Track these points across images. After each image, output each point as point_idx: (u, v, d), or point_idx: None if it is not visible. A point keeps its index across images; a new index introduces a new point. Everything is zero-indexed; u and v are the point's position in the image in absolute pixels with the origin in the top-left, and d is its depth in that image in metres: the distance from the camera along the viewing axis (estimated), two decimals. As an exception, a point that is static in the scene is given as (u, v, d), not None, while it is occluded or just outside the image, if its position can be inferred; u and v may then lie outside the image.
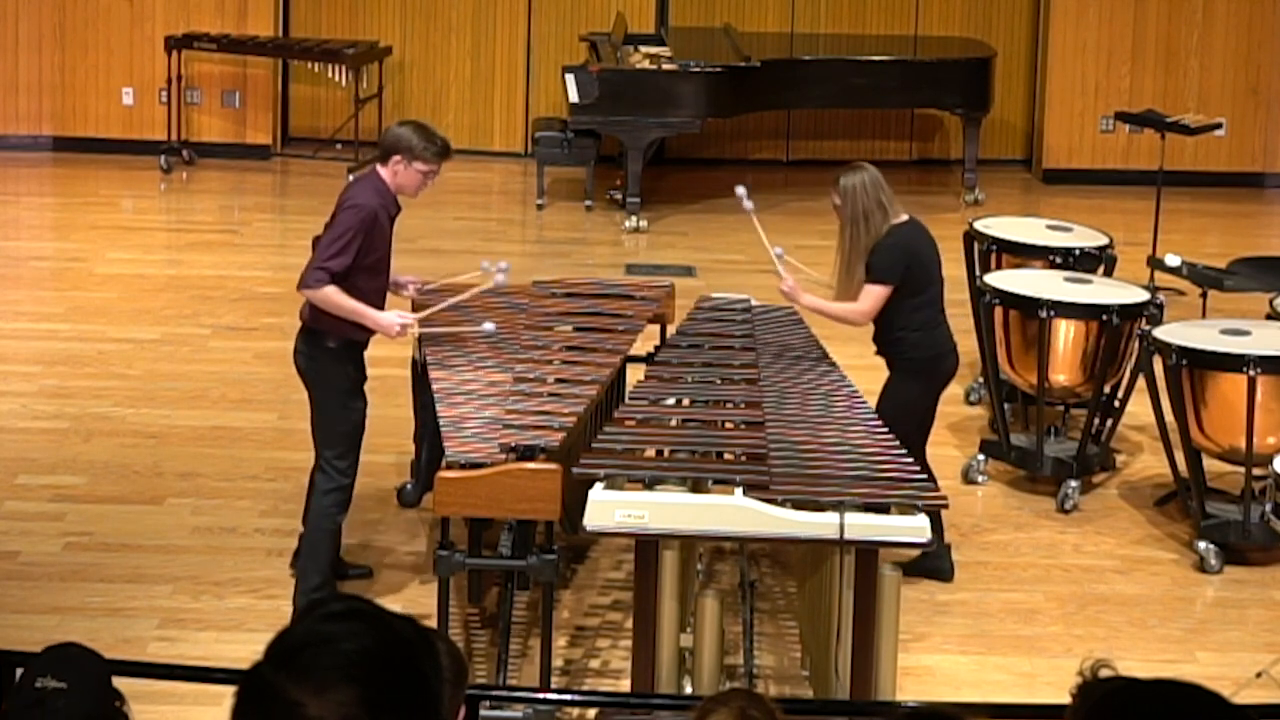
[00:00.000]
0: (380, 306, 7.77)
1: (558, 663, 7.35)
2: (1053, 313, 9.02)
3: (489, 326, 7.93)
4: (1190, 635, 7.95)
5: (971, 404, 10.29)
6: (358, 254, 7.59)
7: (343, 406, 7.76)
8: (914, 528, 6.62)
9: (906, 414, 7.90)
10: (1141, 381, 8.93)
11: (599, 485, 6.74)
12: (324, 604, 2.35)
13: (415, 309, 8.36)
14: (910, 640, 7.60)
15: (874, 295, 7.94)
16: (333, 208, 7.84)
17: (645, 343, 8.77)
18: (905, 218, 8.05)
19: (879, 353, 8.16)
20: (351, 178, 9.88)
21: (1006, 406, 9.53)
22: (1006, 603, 7.99)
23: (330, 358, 7.73)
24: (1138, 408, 9.33)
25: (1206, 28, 15.04)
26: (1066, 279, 9.46)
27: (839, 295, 8.11)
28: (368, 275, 7.70)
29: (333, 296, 7.55)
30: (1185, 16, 15.04)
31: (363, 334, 7.76)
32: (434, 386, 7.75)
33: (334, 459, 7.79)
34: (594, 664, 7.52)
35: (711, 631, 6.65)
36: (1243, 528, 8.51)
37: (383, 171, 7.74)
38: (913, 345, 8.01)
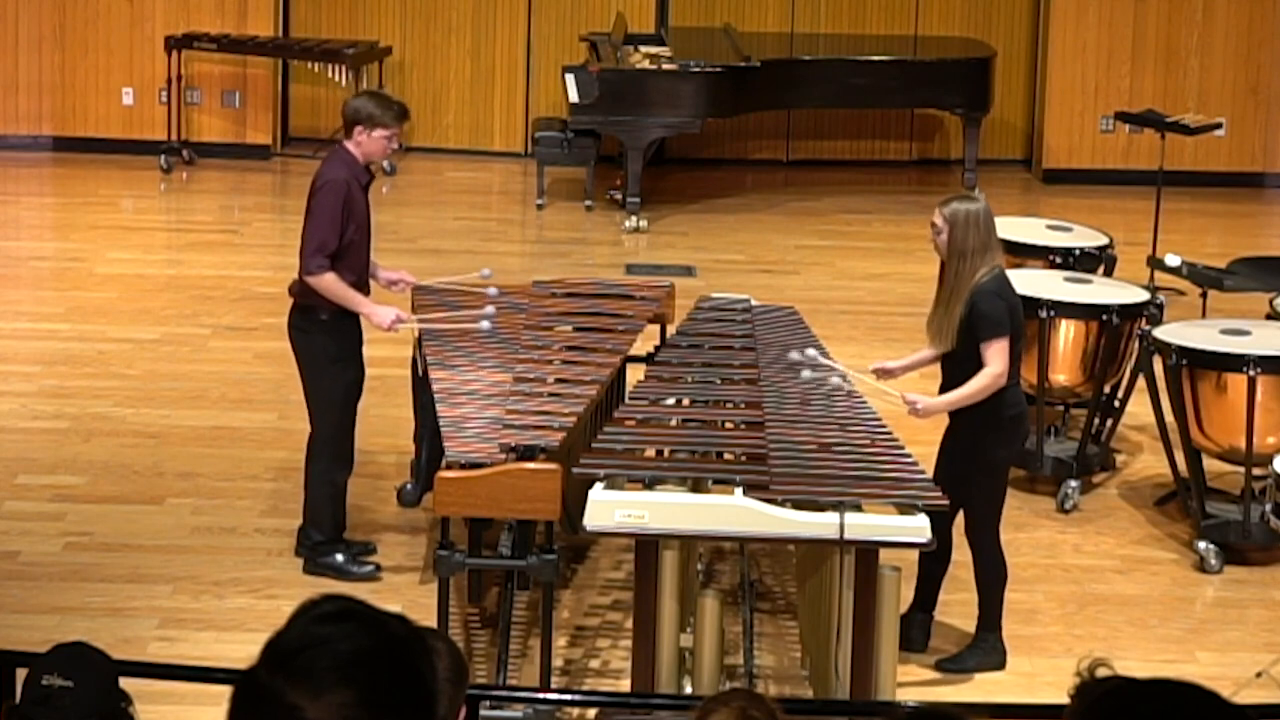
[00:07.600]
0: (365, 278, 8.02)
1: (558, 663, 7.35)
2: (1053, 313, 9.02)
3: (485, 325, 8.09)
4: (1190, 635, 7.95)
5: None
6: (343, 228, 7.87)
7: (332, 374, 7.98)
8: (914, 528, 6.62)
9: (1001, 479, 7.53)
10: (1141, 381, 8.92)
11: (599, 485, 6.74)
12: (317, 605, 2.35)
13: (415, 308, 8.46)
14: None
15: (999, 351, 7.28)
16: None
17: (645, 343, 8.76)
18: (1000, 264, 7.44)
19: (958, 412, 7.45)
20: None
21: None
22: (1007, 603, 7.95)
23: (322, 329, 7.96)
24: (1138, 408, 9.32)
25: (1206, 28, 15.04)
26: (1066, 279, 9.46)
27: (933, 335, 7.49)
28: (350, 248, 7.92)
29: (333, 285, 7.84)
30: (1185, 16, 15.03)
31: None
32: (434, 386, 7.75)
33: (328, 427, 8.02)
34: (594, 664, 7.52)
35: (711, 631, 6.65)
36: (1243, 528, 8.51)
37: (349, 144, 8.02)
38: (1009, 403, 7.38)
